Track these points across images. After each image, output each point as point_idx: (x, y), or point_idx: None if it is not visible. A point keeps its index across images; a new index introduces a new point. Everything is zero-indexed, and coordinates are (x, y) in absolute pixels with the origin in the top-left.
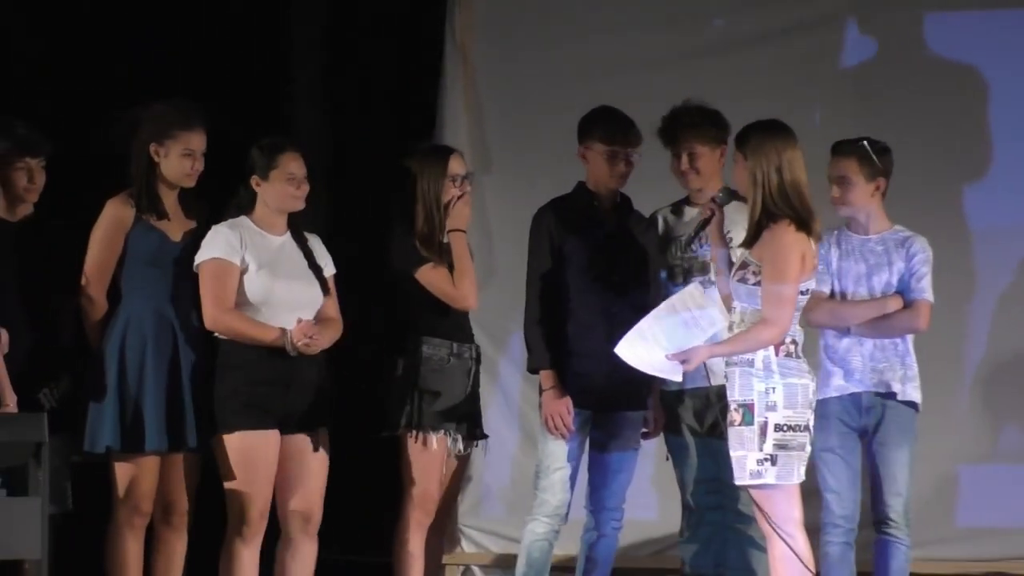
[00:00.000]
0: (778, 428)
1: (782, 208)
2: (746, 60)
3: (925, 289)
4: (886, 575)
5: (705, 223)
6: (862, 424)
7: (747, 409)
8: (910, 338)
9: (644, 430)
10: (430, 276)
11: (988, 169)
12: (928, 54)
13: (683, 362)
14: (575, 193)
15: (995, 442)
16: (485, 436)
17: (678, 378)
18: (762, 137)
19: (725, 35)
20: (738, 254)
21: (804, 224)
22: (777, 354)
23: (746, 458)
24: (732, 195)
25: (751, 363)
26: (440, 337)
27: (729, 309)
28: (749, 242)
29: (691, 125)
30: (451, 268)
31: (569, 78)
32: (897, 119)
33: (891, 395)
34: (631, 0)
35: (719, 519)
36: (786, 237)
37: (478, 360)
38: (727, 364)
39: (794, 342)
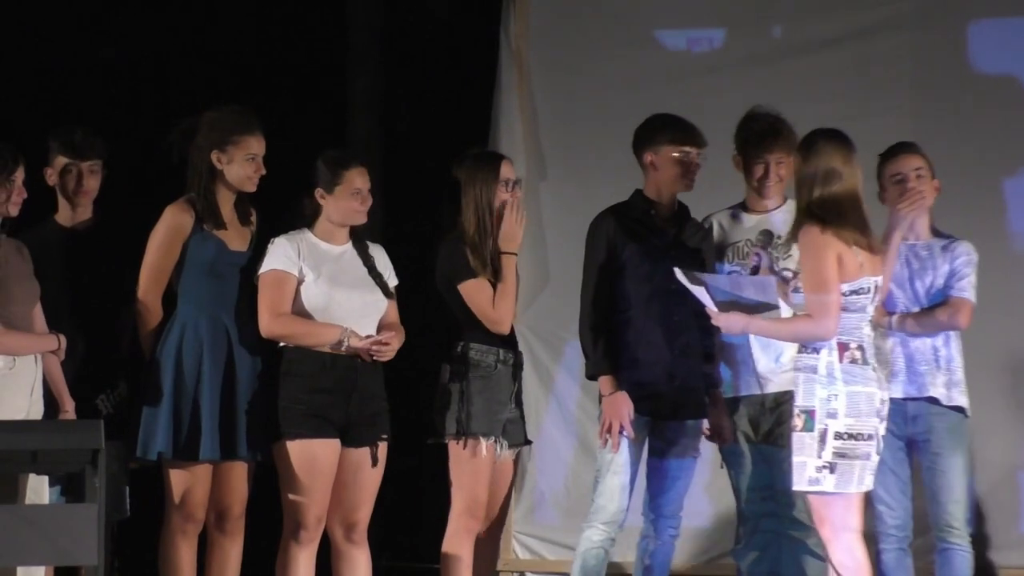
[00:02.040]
0: (839, 436)
1: (821, 212)
2: (803, 67)
3: (966, 288)
4: None
5: (756, 269)
6: (908, 433)
7: (808, 415)
8: (955, 344)
9: (708, 435)
10: (472, 291)
11: None
12: (970, 60)
13: (720, 316)
14: (633, 201)
15: None
16: (530, 442)
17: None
18: (818, 145)
19: (782, 42)
20: (798, 261)
21: (840, 228)
22: (841, 360)
23: (805, 464)
24: (770, 237)
25: (815, 369)
26: (487, 344)
27: None
28: (793, 238)
29: (784, 134)
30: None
31: (624, 85)
32: (949, 125)
33: (935, 401)
34: (686, 6)
35: (774, 527)
36: (814, 238)
37: (521, 366)
38: (795, 369)
39: (860, 348)
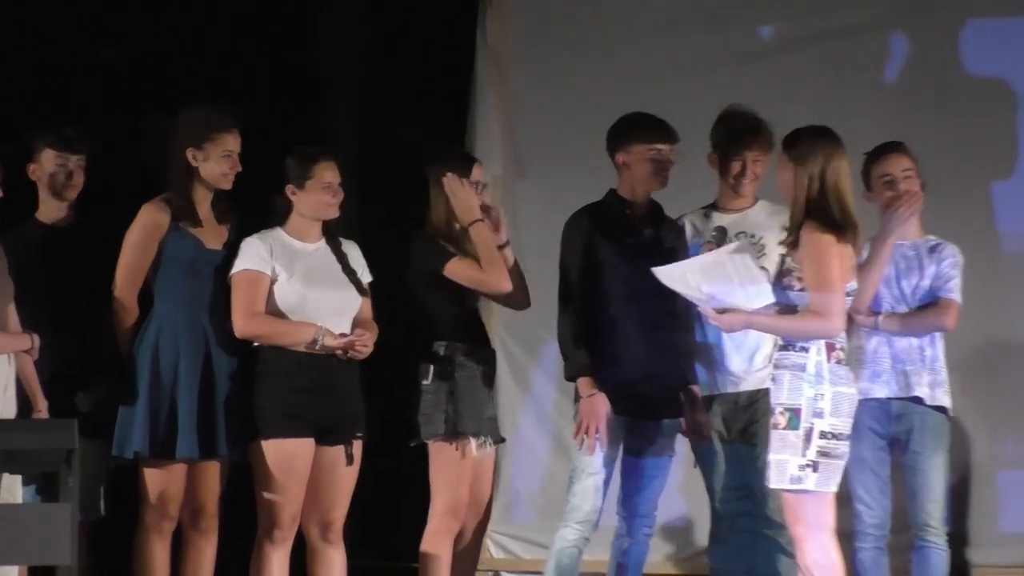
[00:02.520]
0: (823, 435)
1: (820, 213)
2: (785, 67)
3: (952, 290)
4: None
5: None
6: (892, 432)
7: (794, 414)
8: (939, 344)
9: (684, 431)
10: (459, 268)
11: (1019, 176)
12: (961, 61)
13: (720, 316)
14: (608, 201)
15: None
16: (503, 440)
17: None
18: (811, 142)
19: (763, 42)
20: (775, 260)
21: (838, 228)
22: (829, 360)
23: (787, 463)
24: (724, 234)
25: (803, 367)
26: (468, 343)
27: None
28: (793, 244)
29: (764, 132)
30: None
31: (601, 85)
32: (935, 126)
33: (919, 400)
34: (665, 6)
35: (751, 526)
36: (820, 237)
37: (495, 364)
38: (776, 366)
39: (843, 348)
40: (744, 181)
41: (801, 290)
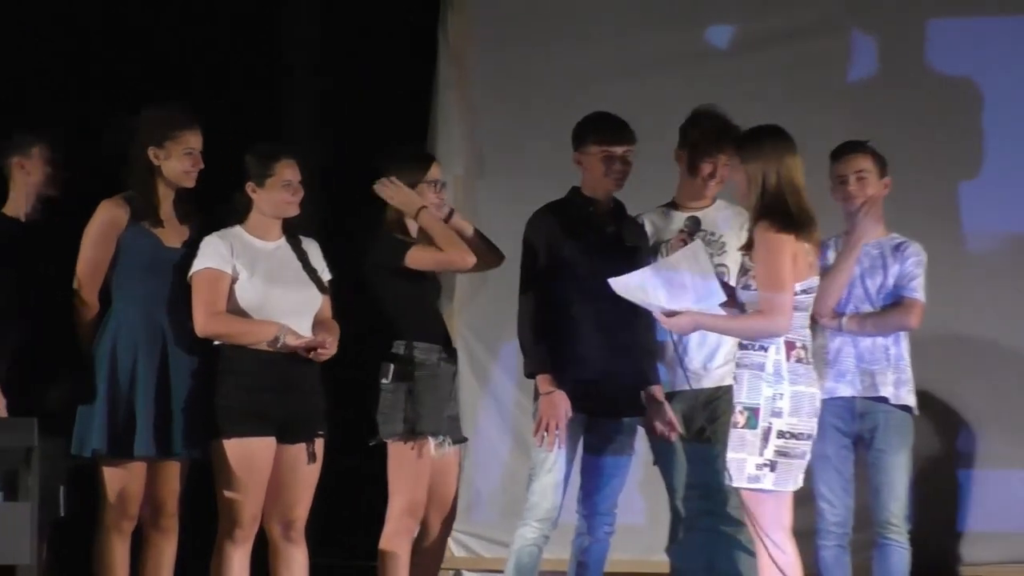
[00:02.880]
0: (781, 435)
1: (775, 212)
2: (745, 66)
3: (917, 289)
4: None
5: None
6: (856, 430)
7: (752, 413)
8: (904, 343)
9: (652, 435)
10: (420, 255)
11: (983, 175)
12: (926, 61)
13: (669, 319)
14: (569, 199)
15: (992, 446)
16: (466, 439)
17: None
18: (761, 142)
19: (723, 41)
20: (734, 259)
21: (795, 227)
22: (788, 359)
23: (745, 461)
24: (697, 224)
25: (762, 367)
26: (429, 342)
27: None
28: (749, 245)
29: (729, 134)
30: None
31: (563, 83)
32: (896, 125)
33: (883, 399)
34: (627, 6)
35: (710, 524)
36: (772, 237)
37: (457, 362)
38: (737, 365)
39: (804, 347)
40: (712, 183)
41: (756, 289)
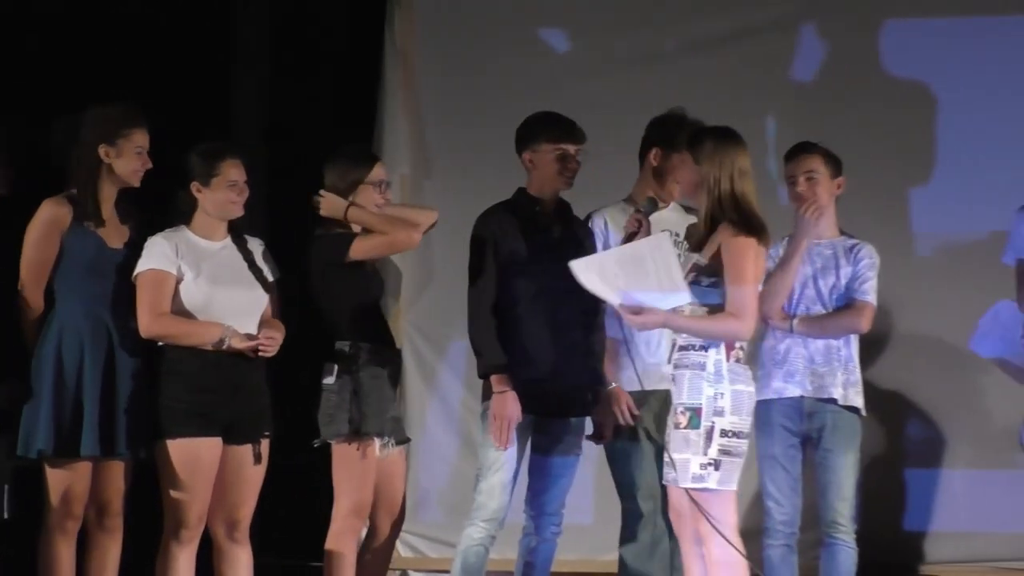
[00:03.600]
0: (724, 434)
1: (731, 214)
2: (695, 67)
3: (868, 292)
4: None
5: (633, 235)
6: (804, 430)
7: (694, 413)
8: (855, 344)
9: (589, 435)
10: (364, 244)
11: (935, 176)
12: (879, 61)
13: (635, 317)
14: (517, 199)
15: (939, 446)
16: (408, 440)
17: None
18: (716, 144)
19: (672, 42)
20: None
21: (752, 230)
22: (728, 359)
23: (689, 461)
24: (655, 204)
25: (702, 366)
26: (372, 342)
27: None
28: (698, 246)
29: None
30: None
31: (509, 83)
32: (847, 126)
33: (832, 400)
34: (573, 7)
35: (661, 523)
36: (737, 239)
37: (401, 362)
38: (676, 367)
39: (743, 348)
40: (677, 185)
41: (709, 285)
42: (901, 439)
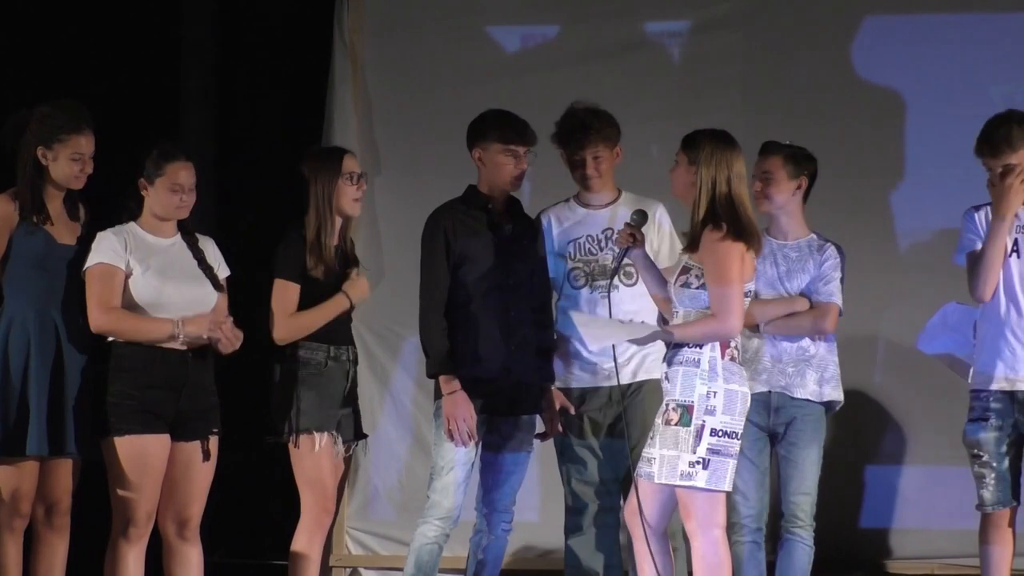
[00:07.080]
0: (714, 433)
1: (725, 217)
2: (643, 62)
3: (833, 293)
4: (788, 574)
5: (625, 253)
6: (772, 425)
7: (686, 410)
8: (824, 341)
9: (539, 432)
10: (279, 292)
11: (903, 176)
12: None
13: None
14: (467, 196)
15: (903, 444)
16: (365, 436)
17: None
18: (715, 147)
19: (620, 38)
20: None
21: (740, 234)
22: (723, 357)
23: (678, 458)
24: (644, 217)
25: (697, 363)
26: (316, 341)
27: (670, 315)
28: (692, 246)
29: (595, 128)
30: (337, 280)
31: (458, 80)
32: (781, 124)
33: (801, 398)
34: (521, 3)
35: (612, 520)
36: (724, 241)
37: (355, 362)
38: (670, 364)
39: (737, 347)
40: (589, 179)
41: (699, 287)
42: (862, 436)
